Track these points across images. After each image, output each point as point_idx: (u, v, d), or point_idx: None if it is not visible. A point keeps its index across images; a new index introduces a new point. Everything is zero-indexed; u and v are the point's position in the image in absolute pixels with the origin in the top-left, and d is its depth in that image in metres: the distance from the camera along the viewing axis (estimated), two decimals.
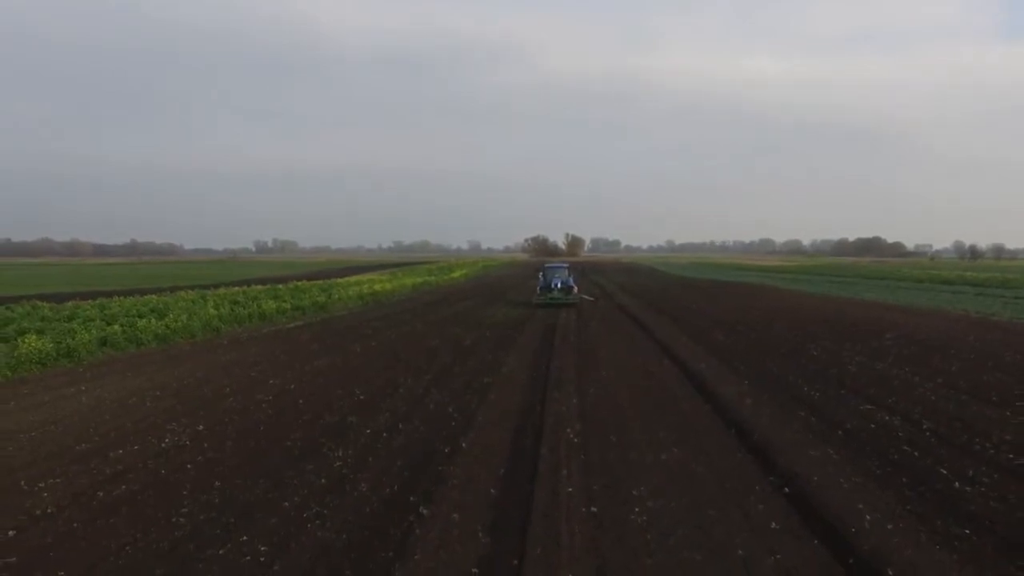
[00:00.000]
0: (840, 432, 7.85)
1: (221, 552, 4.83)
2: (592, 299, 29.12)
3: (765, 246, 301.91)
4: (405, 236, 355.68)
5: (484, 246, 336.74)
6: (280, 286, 36.85)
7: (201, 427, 8.24)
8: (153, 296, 27.03)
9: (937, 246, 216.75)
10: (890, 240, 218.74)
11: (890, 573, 4.41)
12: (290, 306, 24.42)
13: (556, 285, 26.35)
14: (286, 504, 5.71)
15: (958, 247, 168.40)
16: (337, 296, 29.57)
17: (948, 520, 5.29)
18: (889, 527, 5.14)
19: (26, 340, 13.17)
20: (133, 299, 24.79)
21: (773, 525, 5.23)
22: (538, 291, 27.04)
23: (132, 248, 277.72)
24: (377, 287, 35.33)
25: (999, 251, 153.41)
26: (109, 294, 29.59)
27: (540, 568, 4.48)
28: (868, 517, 5.30)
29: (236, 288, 33.30)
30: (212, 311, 20.58)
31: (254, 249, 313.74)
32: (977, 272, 54.55)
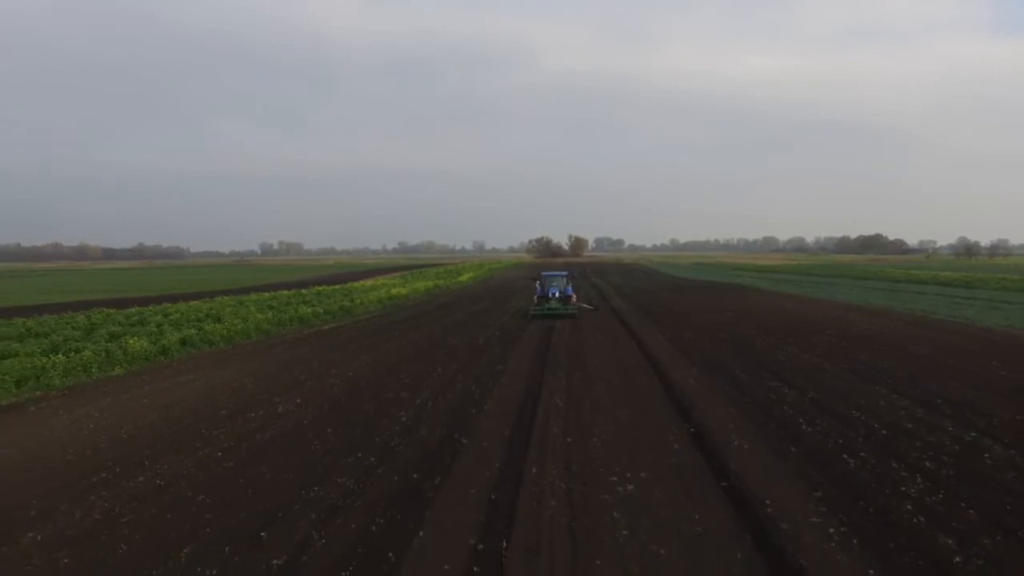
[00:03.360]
0: (746, 398, 11.25)
1: (348, 461, 8.24)
2: (592, 308, 28.96)
3: (769, 244, 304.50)
4: (410, 237, 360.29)
5: (488, 246, 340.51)
6: (304, 291, 40.43)
7: (299, 400, 11.68)
8: (198, 302, 30.59)
9: (941, 242, 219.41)
10: (892, 237, 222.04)
11: (732, 466, 7.79)
12: (322, 310, 27.85)
13: (554, 294, 25.70)
14: (377, 440, 9.13)
15: (962, 243, 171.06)
16: (359, 301, 33.02)
17: (785, 444, 8.67)
18: (746, 447, 8.53)
19: (131, 341, 16.63)
20: (187, 304, 28.31)
21: (676, 446, 8.63)
22: (535, 300, 26.25)
23: (140, 251, 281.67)
24: (394, 291, 38.77)
25: (994, 248, 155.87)
26: (159, 299, 33.15)
27: (536, 465, 7.86)
28: (735, 442, 8.69)
29: (267, 293, 36.84)
30: (259, 316, 24.03)
31: (260, 251, 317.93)
32: (955, 271, 57.64)
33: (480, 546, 5.79)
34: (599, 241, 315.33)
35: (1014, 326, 20.83)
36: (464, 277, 62.47)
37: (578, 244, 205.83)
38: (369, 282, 53.31)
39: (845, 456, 8.14)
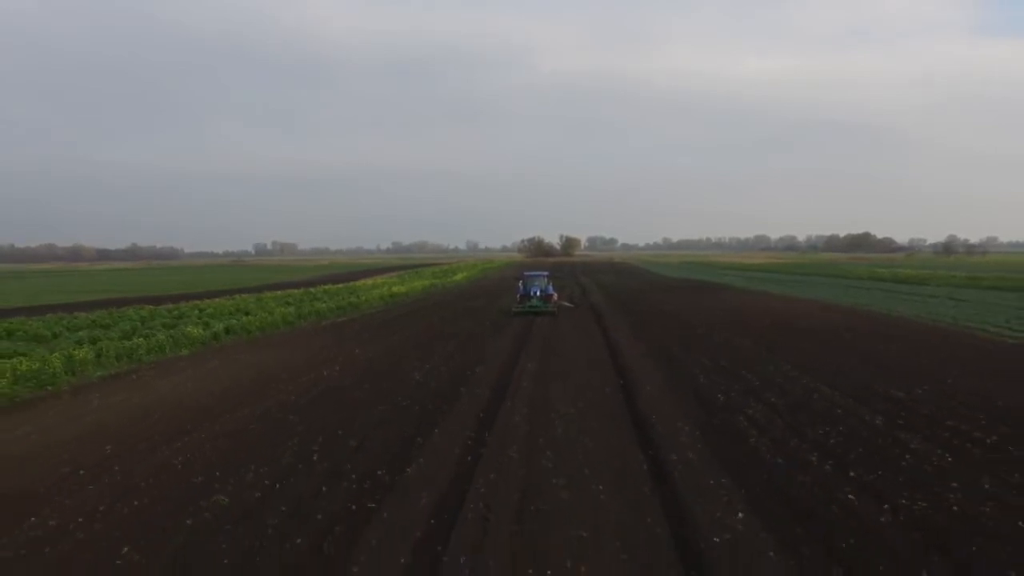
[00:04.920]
0: (670, 364, 15.17)
1: (384, 400, 12.07)
2: (573, 306, 31.23)
3: (760, 242, 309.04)
4: (403, 237, 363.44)
5: (482, 246, 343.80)
6: (312, 289, 44.14)
7: (337, 368, 15.51)
8: (221, 299, 34.27)
9: (932, 240, 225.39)
10: (884, 236, 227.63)
11: (639, 401, 11.67)
12: (334, 306, 31.61)
13: (535, 293, 27.35)
14: (402, 390, 12.96)
15: (952, 241, 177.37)
16: (364, 298, 36.78)
17: (682, 390, 12.57)
18: (655, 392, 12.41)
19: (190, 329, 20.37)
20: (212, 301, 32.02)
21: (607, 390, 12.54)
22: (517, 299, 27.86)
23: (134, 252, 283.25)
24: (394, 289, 42.57)
25: (972, 247, 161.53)
26: (186, 297, 36.83)
27: (510, 401, 11.71)
28: (648, 388, 12.59)
29: (280, 292, 40.57)
30: (282, 310, 27.76)
31: (253, 252, 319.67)
32: (917, 270, 61.85)
33: (472, 434, 9.67)
34: (592, 240, 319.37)
35: (921, 316, 24.85)
36: (458, 276, 66.28)
37: (570, 244, 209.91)
38: (369, 281, 56.97)
39: (719, 396, 12.07)
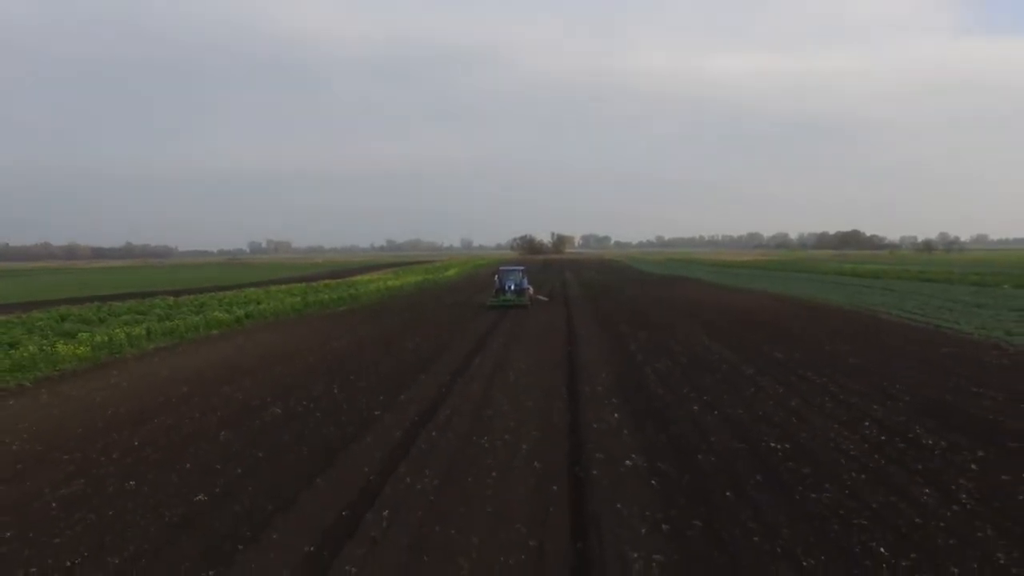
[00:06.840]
0: (612, 336, 18.88)
1: (387, 360, 15.75)
2: (547, 299, 33.14)
3: (753, 240, 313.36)
4: (397, 235, 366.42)
5: (476, 243, 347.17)
6: (314, 283, 47.63)
7: (345, 342, 19.18)
8: (231, 292, 37.78)
9: (923, 237, 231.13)
10: (870, 233, 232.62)
11: (578, 359, 15.39)
12: (336, 297, 35.20)
13: (509, 287, 29.14)
14: (398, 354, 16.63)
15: (943, 238, 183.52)
16: (363, 291, 40.33)
17: (614, 355, 16.29)
18: (591, 354, 16.13)
19: (216, 314, 23.94)
20: (229, 293, 35.57)
21: (556, 354, 16.26)
22: (494, 293, 29.70)
23: (128, 251, 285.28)
24: (390, 283, 46.18)
25: (951, 244, 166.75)
26: (199, 291, 40.29)
27: (478, 358, 15.40)
28: (587, 351, 16.30)
29: (284, 286, 44.11)
30: (290, 300, 31.33)
31: (248, 250, 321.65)
32: (879, 265, 65.89)
33: (448, 377, 13.41)
34: (586, 238, 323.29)
35: (843, 303, 28.65)
36: (450, 272, 69.93)
37: (561, 241, 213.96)
38: (366, 277, 60.42)
39: (640, 355, 15.81)
